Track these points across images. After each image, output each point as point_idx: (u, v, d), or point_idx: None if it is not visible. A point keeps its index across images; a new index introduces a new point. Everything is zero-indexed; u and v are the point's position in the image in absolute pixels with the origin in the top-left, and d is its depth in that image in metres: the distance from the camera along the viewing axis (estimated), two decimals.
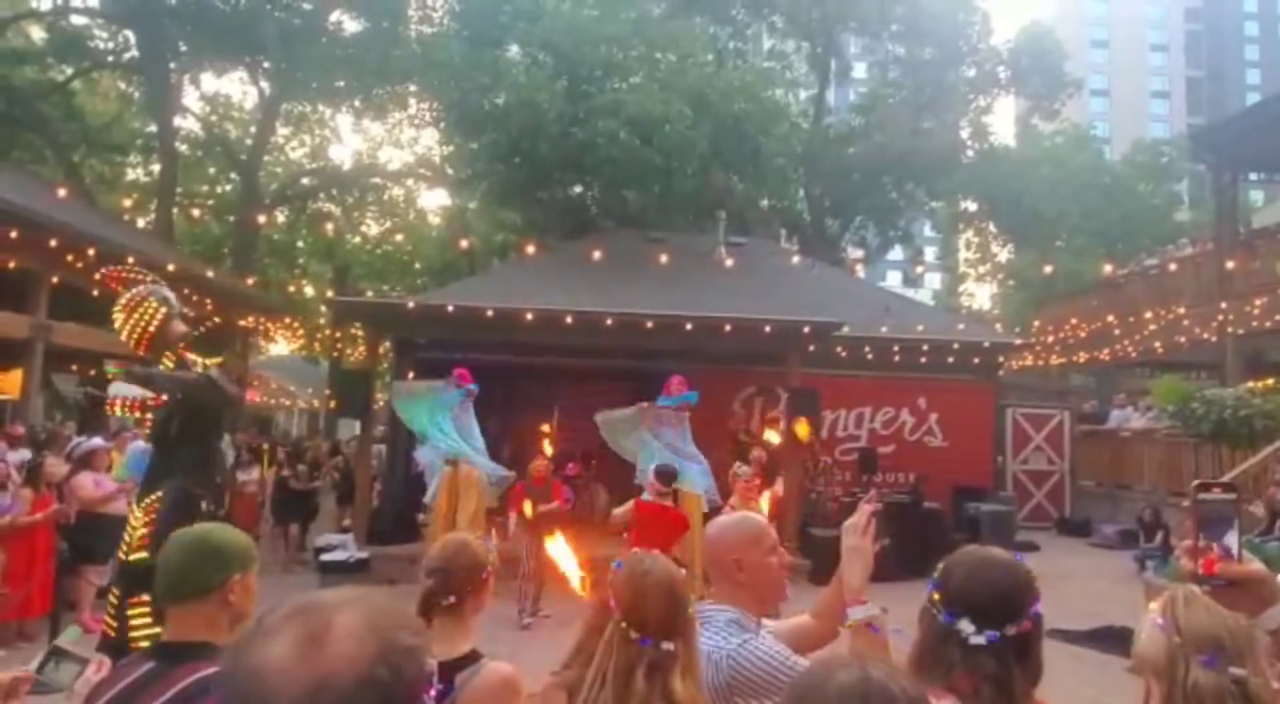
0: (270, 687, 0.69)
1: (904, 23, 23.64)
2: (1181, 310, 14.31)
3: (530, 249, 14.75)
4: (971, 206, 27.82)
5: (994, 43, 24.24)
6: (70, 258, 10.77)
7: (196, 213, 21.29)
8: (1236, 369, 13.34)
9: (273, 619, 0.74)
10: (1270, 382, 13.07)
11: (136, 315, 3.68)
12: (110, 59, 21.52)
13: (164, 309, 3.73)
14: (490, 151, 18.06)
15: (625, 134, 16.48)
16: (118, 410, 3.98)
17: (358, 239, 26.19)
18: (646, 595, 1.53)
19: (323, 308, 23.99)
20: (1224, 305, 13.19)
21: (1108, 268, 17.65)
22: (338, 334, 21.13)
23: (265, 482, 11.40)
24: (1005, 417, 14.78)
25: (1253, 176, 18.81)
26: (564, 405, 11.87)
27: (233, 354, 18.08)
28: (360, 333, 16.55)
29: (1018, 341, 16.20)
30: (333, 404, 12.41)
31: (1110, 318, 16.02)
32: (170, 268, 12.17)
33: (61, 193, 12.32)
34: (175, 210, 20.70)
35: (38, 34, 21.40)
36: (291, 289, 24.70)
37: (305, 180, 25.18)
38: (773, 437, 9.93)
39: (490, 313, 10.17)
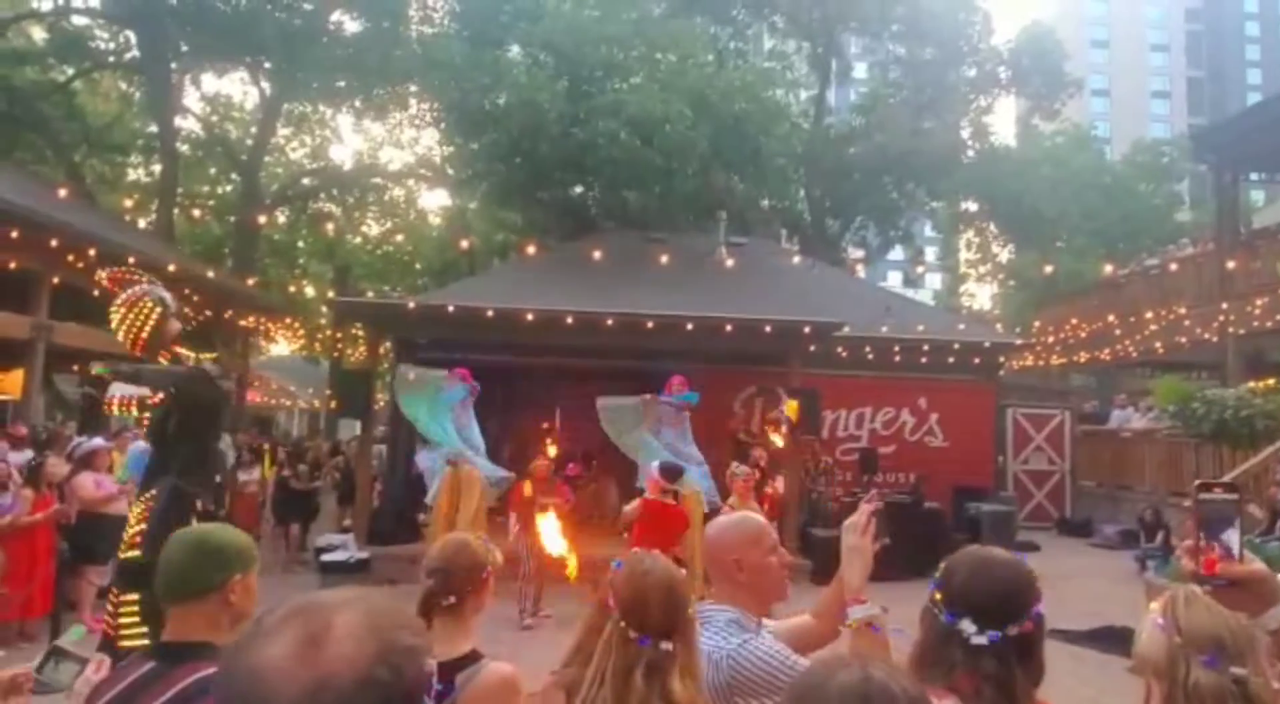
0: (270, 687, 0.69)
1: (905, 23, 23.64)
2: (1182, 310, 14.31)
3: (531, 249, 14.74)
4: (972, 207, 27.81)
5: (995, 43, 24.24)
6: (71, 258, 10.78)
7: (197, 213, 21.29)
8: (1237, 369, 13.33)
9: (272, 620, 0.74)
10: (1271, 382, 13.06)
11: (133, 315, 3.70)
12: (111, 59, 21.53)
13: (159, 309, 3.75)
14: (491, 152, 18.07)
15: (626, 134, 16.48)
16: (115, 410, 3.99)
17: (358, 239, 26.21)
18: (646, 595, 1.53)
19: (323, 308, 24.00)
20: (1225, 305, 13.18)
21: (1108, 268, 17.64)
22: (338, 334, 21.14)
23: (266, 482, 11.41)
24: (1006, 417, 14.78)
25: (1253, 176, 18.80)
26: (564, 406, 11.87)
27: (233, 353, 18.09)
28: (361, 333, 16.56)
29: (1018, 342, 16.20)
30: (333, 404, 12.41)
31: (1111, 318, 16.02)
32: (171, 268, 12.19)
33: (62, 193, 12.33)
34: (176, 210, 20.71)
35: (39, 34, 21.41)
36: (292, 289, 24.69)
37: (306, 180, 25.20)
38: (776, 440, 9.95)
39: (491, 313, 10.17)
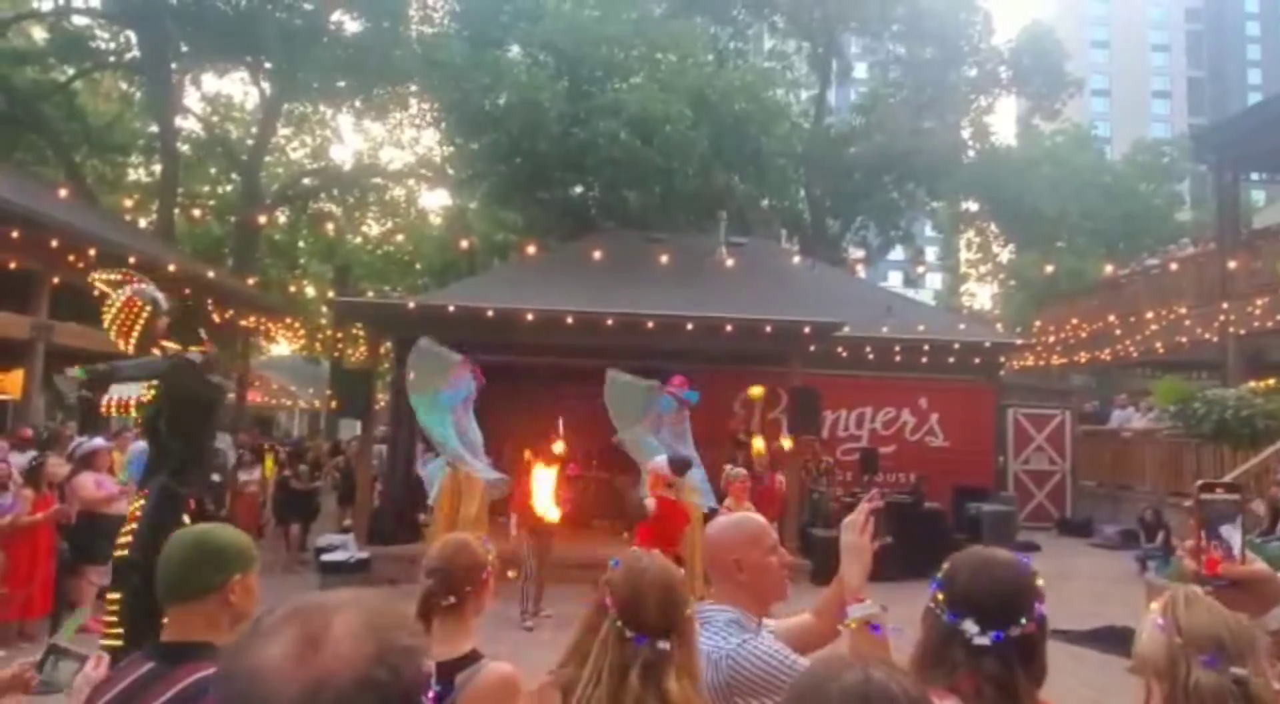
0: (268, 688, 0.69)
1: (905, 23, 23.64)
2: (1183, 310, 14.31)
3: (531, 249, 14.75)
4: (972, 206, 27.81)
5: (995, 43, 24.25)
6: (71, 258, 10.79)
7: (197, 213, 21.29)
8: (1238, 369, 13.32)
9: (270, 620, 0.74)
10: (1272, 381, 13.06)
11: (123, 314, 3.73)
12: (112, 59, 21.53)
13: (149, 307, 3.78)
14: (491, 152, 18.08)
15: (626, 134, 16.48)
16: (113, 411, 4.00)
17: (358, 239, 26.23)
18: (643, 594, 1.53)
19: (323, 308, 24.01)
20: (1225, 305, 13.18)
21: (1109, 268, 17.65)
22: (338, 334, 21.14)
23: (267, 482, 11.41)
24: (1006, 417, 14.78)
25: (1254, 176, 18.79)
26: (565, 406, 11.86)
27: (233, 353, 18.10)
28: (361, 333, 16.57)
29: (1019, 342, 16.20)
30: (333, 404, 12.40)
31: (1111, 318, 16.02)
32: (171, 268, 12.21)
33: (63, 193, 12.34)
34: (176, 210, 20.71)
35: (39, 34, 21.42)
36: (292, 289, 24.71)
37: (306, 180, 25.21)
38: (785, 443, 9.99)
39: (491, 313, 10.18)
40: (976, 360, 13.78)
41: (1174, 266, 15.77)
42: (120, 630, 3.21)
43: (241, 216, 20.45)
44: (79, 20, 20.98)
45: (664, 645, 1.49)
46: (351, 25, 20.90)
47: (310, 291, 26.01)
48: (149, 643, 1.76)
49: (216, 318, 15.30)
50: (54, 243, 10.60)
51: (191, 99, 23.40)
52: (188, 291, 11.46)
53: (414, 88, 21.09)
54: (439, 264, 24.91)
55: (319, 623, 0.73)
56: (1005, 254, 30.11)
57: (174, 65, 20.53)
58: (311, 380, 27.25)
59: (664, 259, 12.31)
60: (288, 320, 19.99)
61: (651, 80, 17.52)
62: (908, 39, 24.29)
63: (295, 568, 10.18)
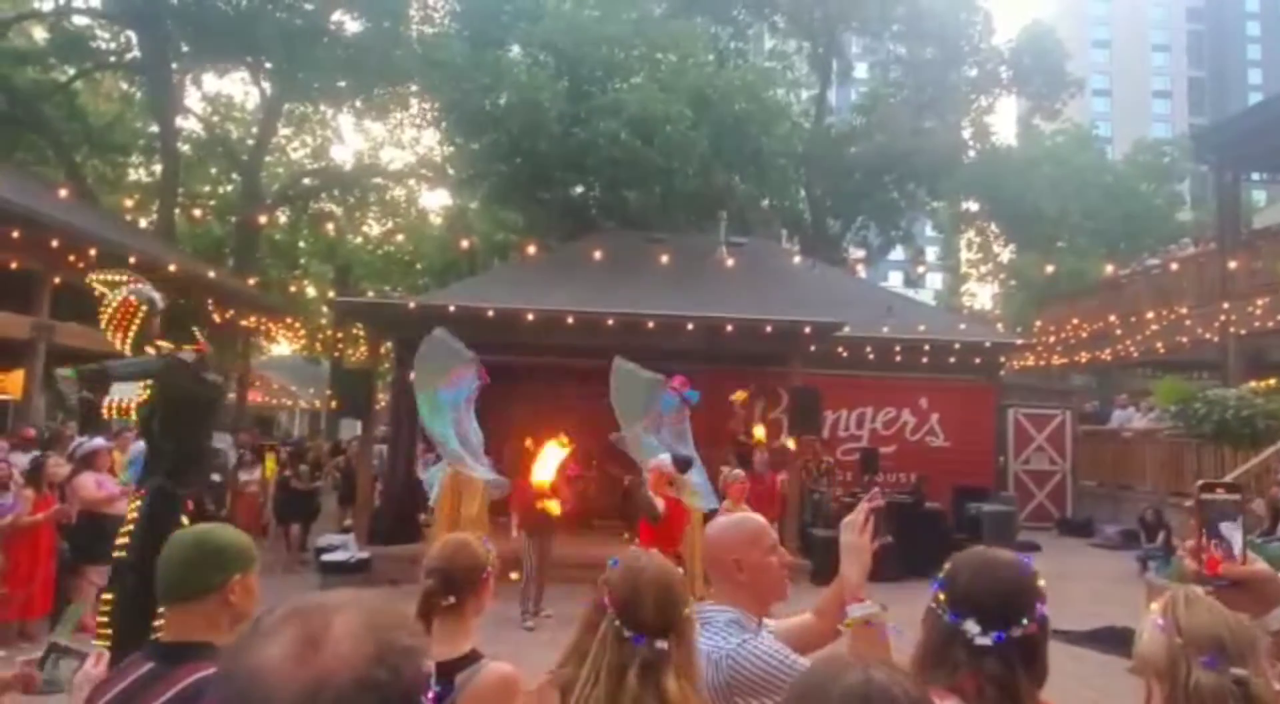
0: (268, 688, 0.69)
1: (905, 22, 23.64)
2: (1183, 310, 14.30)
3: (531, 249, 14.74)
4: (973, 206, 27.82)
5: (995, 42, 24.25)
6: (72, 258, 10.79)
7: (198, 213, 21.29)
8: (1238, 369, 13.32)
9: (270, 621, 0.74)
10: (1272, 381, 13.07)
11: (121, 314, 3.74)
12: (112, 59, 21.54)
13: (145, 307, 3.79)
14: (491, 152, 18.08)
15: (626, 134, 16.48)
16: (114, 414, 4.00)
17: (359, 239, 26.23)
18: (641, 593, 1.52)
19: (324, 308, 24.02)
20: (1226, 305, 13.18)
21: (1109, 268, 17.65)
22: (339, 334, 21.16)
23: (267, 482, 11.41)
24: (1007, 417, 14.77)
25: (1255, 176, 18.79)
26: (565, 406, 11.86)
27: (233, 353, 18.11)
28: (361, 333, 16.57)
29: (1019, 342, 16.20)
30: (334, 404, 12.40)
31: (1112, 318, 16.02)
32: (172, 268, 12.21)
33: (63, 193, 12.35)
34: (177, 210, 20.72)
35: (40, 34, 21.43)
36: (293, 289, 24.71)
37: (307, 180, 25.21)
38: (789, 443, 9.99)
39: (491, 313, 10.18)
40: (977, 360, 13.78)
41: (1174, 266, 15.77)
42: (110, 631, 3.22)
43: (242, 216, 20.46)
44: (79, 20, 21.00)
45: (662, 645, 1.48)
46: (352, 25, 20.92)
47: (311, 291, 26.01)
48: (138, 644, 1.77)
49: (217, 318, 15.32)
50: (54, 243, 10.60)
51: (192, 99, 23.46)
52: (180, 293, 11.46)
53: (414, 88, 21.10)
54: (439, 264, 24.93)
55: (319, 623, 0.73)
56: (1006, 254, 30.11)
57: (174, 65, 20.54)
58: (312, 380, 27.25)
59: (664, 259, 12.31)
60: (288, 320, 20.00)
61: (652, 80, 17.53)
62: (908, 39, 24.29)
63: (296, 568, 10.18)
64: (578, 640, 1.56)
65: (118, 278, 3.94)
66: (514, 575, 7.39)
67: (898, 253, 34.45)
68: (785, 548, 2.06)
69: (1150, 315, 14.55)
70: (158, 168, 22.81)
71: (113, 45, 21.34)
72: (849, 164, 23.60)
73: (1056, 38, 24.49)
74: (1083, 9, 64.64)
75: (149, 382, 3.65)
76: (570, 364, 11.90)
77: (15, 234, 10.08)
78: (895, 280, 45.19)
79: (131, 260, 10.85)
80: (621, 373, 8.69)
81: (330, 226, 22.67)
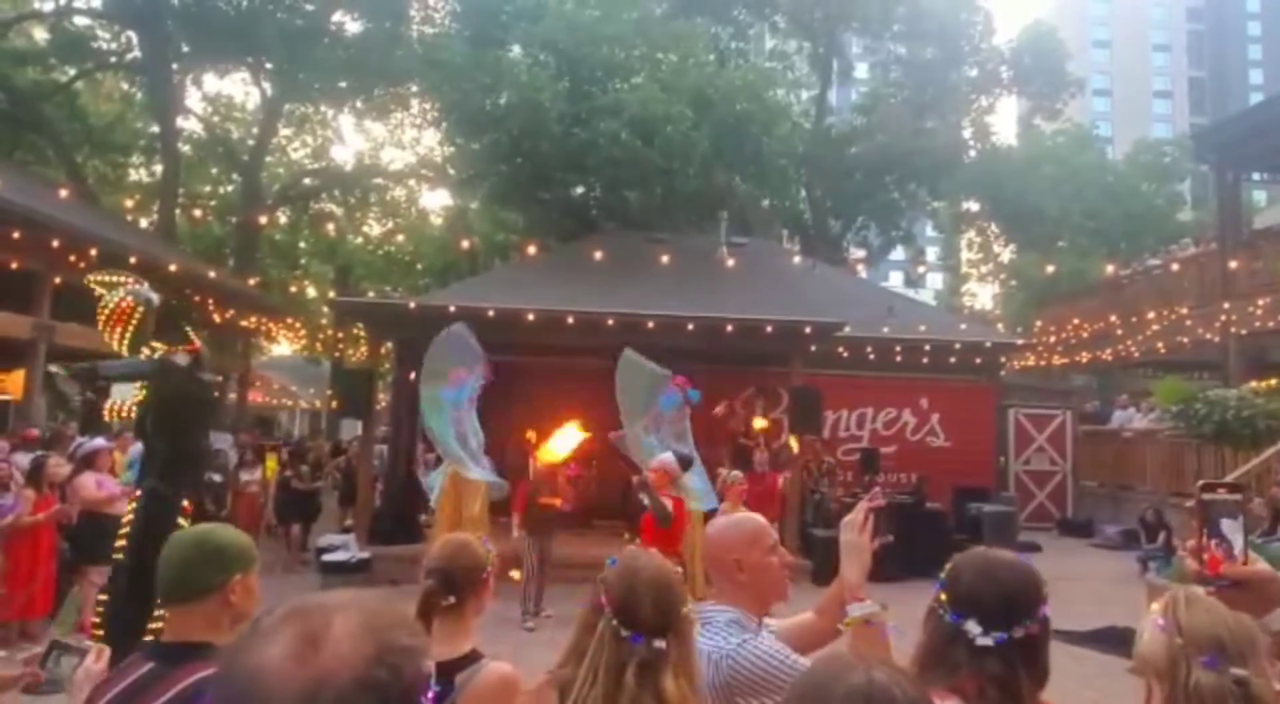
0: (268, 687, 0.69)
1: (906, 23, 23.64)
2: (1184, 310, 14.29)
3: (532, 249, 14.75)
4: (974, 206, 27.82)
5: (996, 42, 24.26)
6: (73, 258, 10.79)
7: (198, 213, 21.30)
8: (1239, 369, 13.31)
9: (270, 621, 0.74)
10: (1273, 382, 13.05)
11: (118, 315, 3.75)
12: (113, 60, 21.55)
13: (142, 308, 3.80)
14: (492, 152, 18.08)
15: (627, 134, 16.48)
16: (116, 416, 4.01)
17: (359, 239, 26.24)
18: (638, 592, 1.52)
19: (324, 308, 24.02)
20: (1227, 305, 13.17)
21: (1110, 268, 17.65)
22: (339, 334, 21.15)
23: (268, 482, 11.41)
24: (1007, 417, 14.77)
25: (1255, 176, 18.78)
26: (566, 406, 11.86)
27: (234, 353, 18.11)
28: (362, 333, 16.57)
29: (1020, 342, 16.19)
30: (334, 404, 12.41)
31: (1112, 318, 16.01)
32: (172, 268, 12.22)
33: (64, 193, 12.36)
34: (177, 211, 20.73)
35: (40, 35, 21.44)
36: (293, 289, 24.72)
37: (307, 181, 25.22)
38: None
39: (491, 313, 10.17)
40: (977, 360, 13.78)
41: (1175, 267, 15.76)
42: (102, 633, 3.22)
43: (242, 217, 20.46)
44: (80, 21, 21.01)
45: (660, 644, 1.48)
46: (352, 26, 20.94)
47: (311, 292, 26.03)
48: (130, 645, 1.77)
49: (217, 318, 15.31)
50: (55, 243, 10.60)
51: (193, 99, 23.46)
52: (174, 292, 11.47)
53: (415, 88, 21.11)
54: (440, 264, 24.94)
55: (318, 623, 0.73)
56: (1006, 254, 30.10)
57: (175, 66, 20.54)
58: (312, 380, 27.27)
59: (665, 259, 12.31)
60: (289, 320, 20.00)
61: (652, 80, 17.53)
62: (909, 39, 24.29)
63: (296, 568, 10.18)
64: (576, 641, 1.56)
65: (116, 279, 3.94)
66: (514, 574, 7.39)
67: (898, 253, 34.46)
68: (786, 548, 2.06)
69: (1151, 315, 14.54)
70: (158, 168, 22.82)
71: (113, 46, 21.35)
72: (849, 164, 23.60)
73: (1057, 38, 24.49)
74: (1083, 9, 64.63)
75: (143, 383, 3.65)
76: (571, 364, 11.91)
77: (16, 234, 10.08)
78: (896, 280, 45.18)
79: (132, 260, 10.85)
80: (628, 364, 8.69)
81: (331, 227, 22.68)
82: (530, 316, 10.10)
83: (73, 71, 21.06)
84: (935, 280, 46.43)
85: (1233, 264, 13.22)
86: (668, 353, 10.65)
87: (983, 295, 35.21)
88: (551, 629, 7.11)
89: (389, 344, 13.09)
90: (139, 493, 3.57)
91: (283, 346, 26.01)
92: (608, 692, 1.44)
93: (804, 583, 7.75)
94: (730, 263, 13.89)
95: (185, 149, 22.79)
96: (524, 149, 17.56)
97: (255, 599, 1.66)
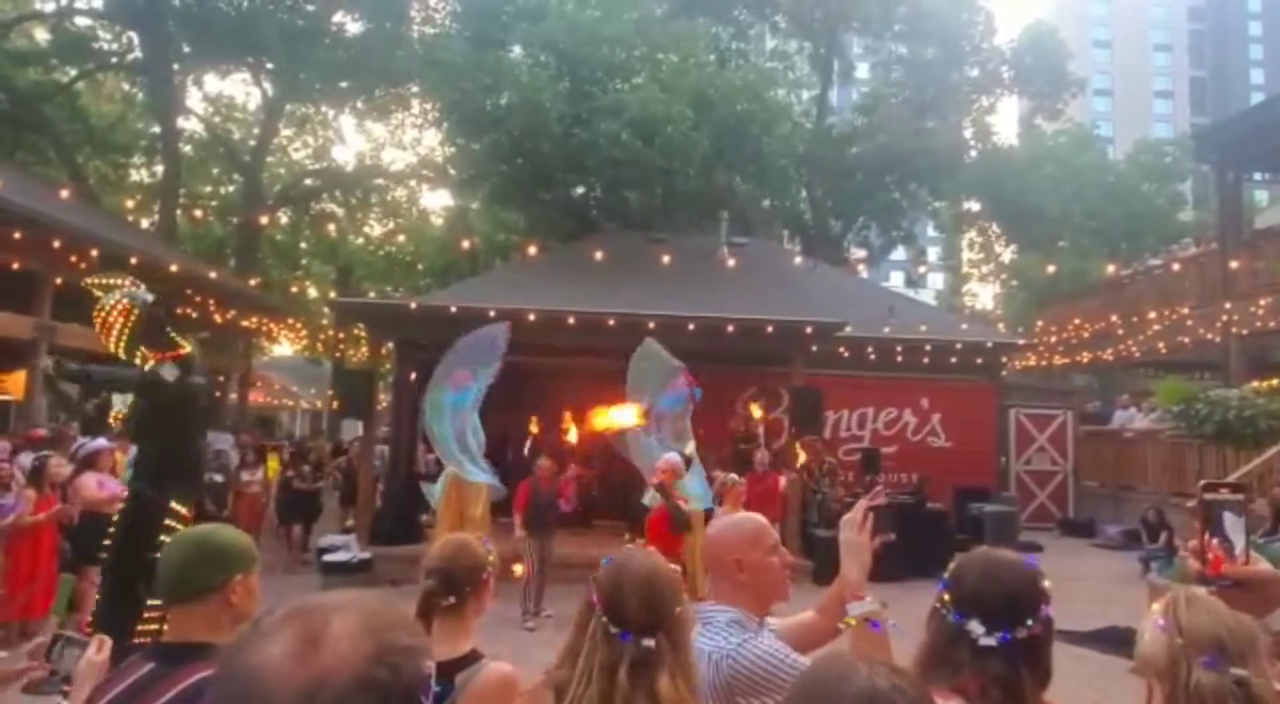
0: (268, 687, 0.69)
1: (907, 23, 23.64)
2: (1185, 310, 14.28)
3: (532, 250, 14.74)
4: (974, 206, 27.81)
5: (997, 42, 24.25)
6: (74, 259, 10.80)
7: (199, 214, 21.32)
8: (1240, 369, 13.30)
9: (270, 621, 0.75)
10: (1274, 382, 13.01)
11: (112, 317, 3.75)
12: (114, 60, 21.58)
13: (136, 311, 3.80)
14: (492, 152, 18.08)
15: (627, 135, 16.48)
16: (117, 421, 4.03)
17: (360, 240, 26.25)
18: (624, 589, 1.51)
19: (325, 308, 24.03)
20: (1228, 305, 13.16)
21: (1111, 268, 17.63)
22: (340, 335, 21.16)
23: (269, 482, 11.42)
24: (1008, 417, 14.76)
25: (1256, 176, 18.77)
26: (566, 406, 11.86)
27: (234, 354, 18.12)
28: (363, 333, 16.58)
29: (1021, 342, 16.19)
30: (335, 405, 12.41)
31: (1113, 318, 16.00)
32: (173, 269, 12.23)
33: (65, 194, 12.35)
34: (178, 211, 20.75)
35: (41, 35, 21.47)
36: (294, 290, 24.75)
37: (308, 181, 25.24)
38: (799, 453, 10.00)
39: (492, 313, 10.16)
40: (978, 360, 13.77)
41: (1176, 267, 15.76)
42: (91, 631, 3.24)
43: (243, 217, 20.48)
44: (81, 21, 21.03)
45: (649, 643, 1.46)
46: (353, 26, 20.95)
47: (312, 292, 26.05)
48: (116, 646, 1.77)
49: (218, 318, 15.32)
50: (56, 243, 10.61)
51: (194, 100, 23.49)
52: (162, 296, 11.49)
53: (415, 88, 21.12)
54: (440, 264, 24.95)
55: (318, 623, 0.73)
56: (1007, 254, 30.10)
57: (176, 66, 20.57)
58: (313, 381, 27.29)
59: (665, 259, 12.31)
60: (289, 321, 20.02)
61: (653, 81, 17.53)
62: (909, 39, 24.29)
63: (297, 568, 10.19)
64: (571, 641, 1.55)
65: (113, 282, 3.93)
66: (517, 568, 7.40)
67: (899, 253, 34.46)
68: (787, 548, 2.05)
69: (1152, 315, 14.53)
70: (159, 169, 22.83)
71: (114, 46, 21.38)
72: (850, 164, 23.60)
73: (1058, 37, 24.49)
74: (1084, 9, 64.61)
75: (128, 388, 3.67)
76: (571, 364, 11.91)
77: (17, 235, 10.09)
78: (896, 280, 45.17)
79: (133, 261, 10.86)
80: (647, 351, 8.72)
81: (331, 227, 22.69)
82: (531, 317, 10.10)
83: (74, 72, 21.09)
84: (936, 280, 46.43)
85: (1234, 264, 13.21)
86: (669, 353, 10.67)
87: (984, 295, 35.24)
88: (551, 629, 7.11)
89: (390, 344, 13.09)
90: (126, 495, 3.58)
91: (284, 347, 26.02)
92: (603, 691, 1.43)
93: (805, 583, 7.75)
94: (731, 263, 13.89)
95: (186, 149, 22.81)
96: (524, 149, 17.56)
97: (256, 599, 1.67)
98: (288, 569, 9.99)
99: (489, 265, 22.99)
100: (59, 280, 11.20)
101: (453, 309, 10.53)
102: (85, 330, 11.69)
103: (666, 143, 16.66)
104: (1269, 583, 1.40)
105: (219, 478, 9.65)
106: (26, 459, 7.35)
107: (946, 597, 1.36)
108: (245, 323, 17.13)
